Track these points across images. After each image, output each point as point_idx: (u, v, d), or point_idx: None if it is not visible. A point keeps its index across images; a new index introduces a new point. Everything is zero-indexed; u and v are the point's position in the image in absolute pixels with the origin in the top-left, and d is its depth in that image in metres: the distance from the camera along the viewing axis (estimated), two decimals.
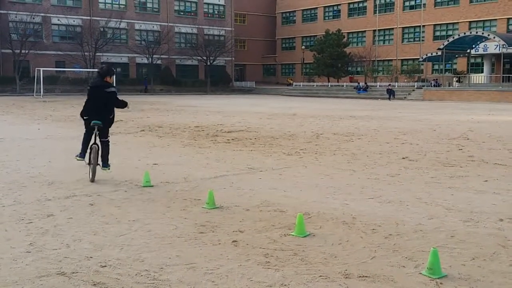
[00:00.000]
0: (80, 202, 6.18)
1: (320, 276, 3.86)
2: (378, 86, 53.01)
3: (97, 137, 7.52)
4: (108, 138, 7.71)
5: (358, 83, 54.20)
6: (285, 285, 3.69)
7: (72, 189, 6.90)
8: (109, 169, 7.61)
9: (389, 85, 48.51)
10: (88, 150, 7.50)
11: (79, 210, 5.82)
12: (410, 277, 3.84)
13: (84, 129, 7.65)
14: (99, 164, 7.47)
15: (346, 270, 3.98)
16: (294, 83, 62.92)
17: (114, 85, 7.87)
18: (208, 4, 65.20)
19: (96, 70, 51.37)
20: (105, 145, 7.59)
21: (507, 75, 46.26)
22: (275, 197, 6.48)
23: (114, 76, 8.15)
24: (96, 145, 7.45)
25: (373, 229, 5.09)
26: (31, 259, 4.20)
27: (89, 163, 7.43)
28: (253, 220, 5.44)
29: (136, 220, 5.41)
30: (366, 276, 3.85)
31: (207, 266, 4.04)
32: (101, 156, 7.55)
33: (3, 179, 7.55)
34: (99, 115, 7.39)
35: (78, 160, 7.71)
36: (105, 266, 4.04)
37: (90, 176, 7.40)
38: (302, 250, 4.45)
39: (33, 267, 4.01)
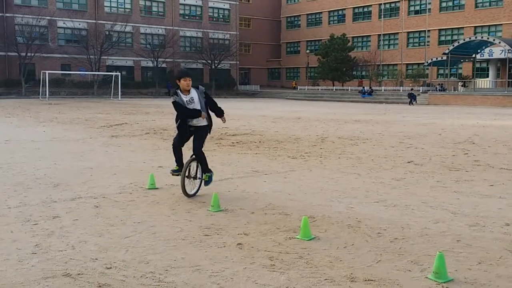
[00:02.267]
0: (85, 204, 6.19)
1: (326, 279, 3.85)
2: (383, 90, 52.95)
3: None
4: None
5: (363, 87, 54.15)
6: None
7: (77, 191, 6.92)
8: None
9: (412, 89, 46.94)
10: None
11: (85, 212, 5.83)
12: (416, 281, 3.82)
13: None
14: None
15: (351, 273, 3.96)
16: (299, 87, 62.96)
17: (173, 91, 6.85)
18: (213, 8, 65.43)
19: (101, 73, 51.77)
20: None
21: None
22: (280, 200, 6.47)
23: (184, 80, 6.63)
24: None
25: (379, 233, 5.07)
26: (36, 260, 4.21)
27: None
28: (258, 223, 5.43)
29: (141, 222, 5.42)
30: (372, 280, 3.83)
31: (212, 269, 4.04)
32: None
33: (9, 181, 7.58)
34: None
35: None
36: (111, 268, 4.05)
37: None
38: (307, 253, 4.44)
39: (39, 269, 4.01)
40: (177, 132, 6.83)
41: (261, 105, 38.35)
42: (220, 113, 6.84)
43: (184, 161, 6.74)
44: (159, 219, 5.54)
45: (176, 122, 6.75)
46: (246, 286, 3.70)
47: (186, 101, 6.63)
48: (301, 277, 3.88)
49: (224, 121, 7.00)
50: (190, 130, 6.71)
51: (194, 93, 6.67)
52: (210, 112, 6.84)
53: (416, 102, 43.39)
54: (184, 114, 6.59)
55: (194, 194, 6.72)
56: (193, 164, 6.75)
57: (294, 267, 4.09)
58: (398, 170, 8.93)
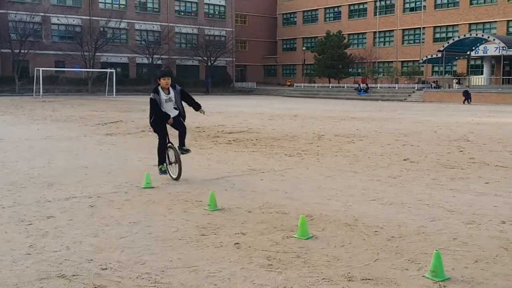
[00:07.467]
0: (80, 204, 6.14)
1: (323, 278, 3.83)
2: (378, 88, 53.00)
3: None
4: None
5: (359, 84, 54.15)
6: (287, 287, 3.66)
7: (72, 191, 6.87)
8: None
9: (467, 86, 44.20)
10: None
11: (79, 212, 5.79)
12: (413, 280, 3.82)
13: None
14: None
15: (349, 272, 3.95)
16: (295, 84, 62.90)
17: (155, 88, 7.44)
18: (209, 4, 65.25)
19: (96, 70, 51.47)
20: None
21: (507, 77, 46.24)
22: (277, 199, 6.45)
23: (163, 79, 7.36)
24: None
25: (376, 231, 5.06)
26: (31, 261, 4.16)
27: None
28: (255, 222, 5.41)
29: (136, 222, 5.38)
30: (369, 279, 3.82)
31: (209, 269, 4.01)
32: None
33: (3, 180, 7.52)
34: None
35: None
36: (106, 268, 4.01)
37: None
38: (305, 252, 4.42)
39: (33, 270, 3.97)
40: (151, 129, 7.72)
41: (258, 102, 38.29)
42: (197, 106, 7.58)
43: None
44: (155, 219, 5.50)
45: (150, 119, 7.45)
46: (243, 287, 3.68)
47: (165, 99, 7.37)
48: (298, 276, 3.86)
49: (203, 113, 7.73)
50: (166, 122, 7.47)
51: (172, 92, 7.43)
52: (189, 106, 7.58)
53: (471, 100, 39.01)
54: (156, 113, 7.33)
55: (180, 176, 7.47)
56: (170, 152, 7.64)
57: (292, 267, 4.07)
58: (394, 168, 8.93)
